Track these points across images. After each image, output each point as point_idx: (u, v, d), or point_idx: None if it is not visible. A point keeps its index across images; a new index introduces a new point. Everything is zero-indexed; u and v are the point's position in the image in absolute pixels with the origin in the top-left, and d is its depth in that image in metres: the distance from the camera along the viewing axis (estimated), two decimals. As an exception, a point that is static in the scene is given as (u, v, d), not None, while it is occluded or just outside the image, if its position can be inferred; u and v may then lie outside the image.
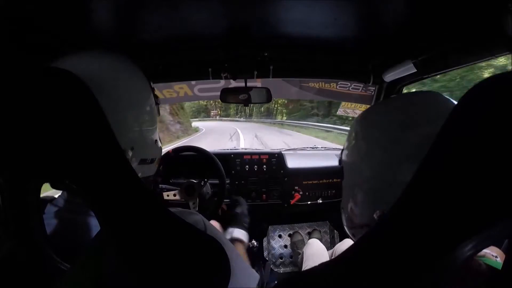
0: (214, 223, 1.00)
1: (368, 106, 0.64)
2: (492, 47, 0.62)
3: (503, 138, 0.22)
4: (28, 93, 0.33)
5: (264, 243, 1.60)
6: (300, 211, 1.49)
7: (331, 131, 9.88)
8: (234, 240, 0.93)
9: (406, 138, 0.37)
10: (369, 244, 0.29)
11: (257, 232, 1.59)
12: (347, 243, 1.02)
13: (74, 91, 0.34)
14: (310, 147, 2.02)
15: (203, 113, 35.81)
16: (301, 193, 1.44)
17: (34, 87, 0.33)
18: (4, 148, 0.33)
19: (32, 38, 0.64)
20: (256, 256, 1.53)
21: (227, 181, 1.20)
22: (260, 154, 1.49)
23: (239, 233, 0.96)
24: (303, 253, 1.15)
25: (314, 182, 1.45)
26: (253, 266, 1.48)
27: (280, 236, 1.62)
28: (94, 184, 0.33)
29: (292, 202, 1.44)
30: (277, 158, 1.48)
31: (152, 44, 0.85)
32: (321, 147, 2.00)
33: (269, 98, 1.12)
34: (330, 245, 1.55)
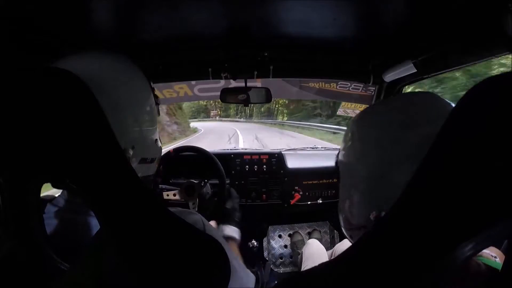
0: (212, 223, 0.99)
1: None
2: (492, 47, 0.62)
3: (504, 138, 0.22)
4: (28, 93, 0.33)
5: (264, 243, 1.60)
6: (300, 211, 1.49)
7: (338, 132, 9.03)
8: (226, 238, 0.91)
9: (403, 138, 0.37)
10: (369, 244, 0.29)
11: (257, 232, 1.59)
12: (347, 243, 1.02)
13: (74, 91, 0.34)
14: (310, 147, 2.02)
15: (203, 113, 35.56)
16: (301, 193, 1.44)
17: (34, 87, 0.33)
18: (4, 148, 0.33)
19: (32, 38, 0.64)
20: (256, 256, 1.53)
21: (227, 181, 1.20)
22: (260, 154, 1.49)
23: (231, 231, 0.94)
24: (302, 253, 1.15)
25: (314, 182, 1.45)
26: (253, 266, 1.48)
27: (280, 236, 1.62)
28: (94, 184, 0.33)
29: (292, 202, 1.44)
30: (277, 158, 1.48)
31: (152, 44, 0.85)
32: (321, 147, 2.00)
33: (269, 98, 1.12)
34: (330, 245, 1.55)
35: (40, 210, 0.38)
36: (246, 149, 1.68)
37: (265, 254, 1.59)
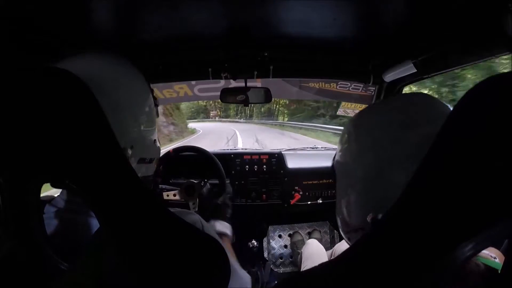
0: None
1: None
2: (492, 47, 0.62)
3: (504, 138, 0.22)
4: (28, 93, 0.33)
5: (264, 243, 1.60)
6: (300, 211, 1.49)
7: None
8: (219, 235, 0.88)
9: (403, 138, 0.37)
10: (369, 244, 0.29)
11: (257, 232, 1.59)
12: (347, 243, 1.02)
13: (74, 91, 0.34)
14: (310, 147, 2.02)
15: (202, 113, 35.17)
16: (301, 193, 1.44)
17: (34, 87, 0.33)
18: (4, 148, 0.33)
19: (32, 38, 0.64)
20: (256, 256, 1.53)
21: (227, 181, 1.20)
22: (260, 154, 1.49)
23: (222, 226, 0.91)
24: (301, 253, 1.15)
25: (314, 182, 1.45)
26: (253, 266, 1.48)
27: (280, 236, 1.62)
28: (94, 184, 0.33)
29: (292, 202, 1.44)
30: (277, 158, 1.48)
31: (152, 44, 0.85)
32: (321, 147, 2.00)
33: (269, 98, 1.13)
34: (330, 245, 1.55)
35: (40, 210, 0.38)
36: (246, 149, 1.67)
37: (265, 254, 1.59)
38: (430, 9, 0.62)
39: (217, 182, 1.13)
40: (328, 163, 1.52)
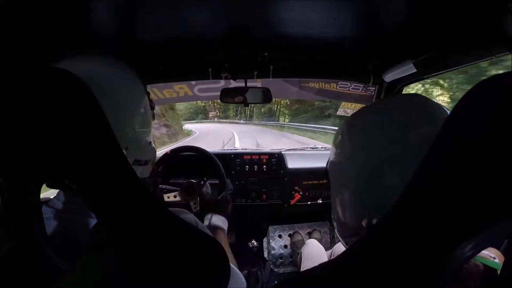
0: None
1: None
2: (492, 47, 0.62)
3: (504, 138, 0.22)
4: (28, 93, 0.33)
5: (264, 243, 1.60)
6: (300, 211, 1.49)
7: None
8: (213, 228, 0.88)
9: (402, 138, 0.37)
10: (369, 244, 0.29)
11: (257, 232, 1.59)
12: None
13: (74, 91, 0.34)
14: (310, 147, 2.02)
15: (201, 114, 34.68)
16: (301, 193, 1.44)
17: (34, 87, 0.33)
18: (4, 148, 0.33)
19: (32, 38, 0.64)
20: (256, 256, 1.53)
21: (227, 179, 1.19)
22: (260, 154, 1.49)
23: (218, 220, 0.90)
24: (301, 253, 1.15)
25: (314, 182, 1.45)
26: (253, 266, 1.48)
27: (280, 236, 1.62)
28: (94, 184, 0.33)
29: (292, 202, 1.44)
30: (277, 158, 1.48)
31: (152, 44, 0.85)
32: (321, 147, 2.00)
33: (269, 98, 1.13)
34: (330, 245, 1.55)
35: (40, 210, 0.38)
36: (246, 149, 1.67)
37: (265, 254, 1.58)
38: (430, 9, 0.62)
39: (217, 182, 1.13)
40: (328, 163, 1.52)
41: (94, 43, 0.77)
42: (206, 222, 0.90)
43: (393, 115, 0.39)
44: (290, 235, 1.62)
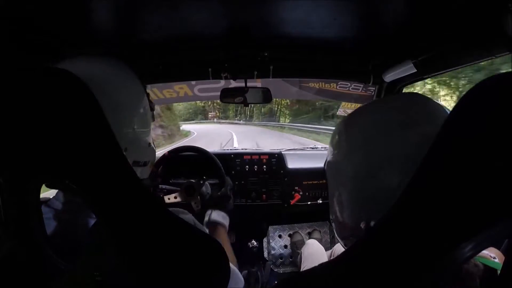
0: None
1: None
2: (492, 47, 0.62)
3: (504, 138, 0.22)
4: (28, 93, 0.33)
5: (264, 243, 1.60)
6: (300, 211, 1.49)
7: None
8: (213, 224, 0.87)
9: (401, 138, 0.36)
10: (369, 244, 0.29)
11: (257, 232, 1.59)
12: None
13: (74, 91, 0.34)
14: (310, 147, 2.02)
15: (200, 115, 34.19)
16: (301, 193, 1.44)
17: (34, 87, 0.33)
18: (4, 148, 0.33)
19: (32, 38, 0.64)
20: (256, 256, 1.53)
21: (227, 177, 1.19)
22: (260, 154, 1.49)
23: (218, 215, 0.89)
24: (301, 253, 1.15)
25: (314, 182, 1.45)
26: (253, 266, 1.47)
27: (280, 236, 1.62)
28: (95, 184, 0.33)
29: (292, 202, 1.44)
30: (277, 158, 1.47)
31: (152, 44, 0.85)
32: (321, 147, 2.00)
33: (269, 98, 1.13)
34: (330, 245, 1.55)
35: (40, 210, 0.38)
36: (246, 149, 1.67)
37: (265, 254, 1.58)
38: (430, 9, 0.62)
39: (217, 181, 1.13)
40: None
41: (94, 43, 0.77)
42: (205, 218, 0.89)
43: (392, 115, 0.39)
44: (290, 235, 1.62)
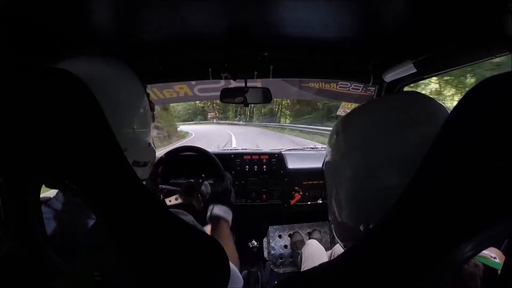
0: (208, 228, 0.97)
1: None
2: (492, 47, 0.62)
3: (504, 138, 0.22)
4: (28, 93, 0.33)
5: (264, 243, 1.60)
6: (300, 211, 1.49)
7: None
8: (215, 218, 0.86)
9: (401, 138, 0.36)
10: (369, 244, 0.29)
11: (257, 232, 1.59)
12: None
13: (74, 91, 0.34)
14: (310, 147, 2.02)
15: (200, 115, 33.85)
16: (301, 193, 1.44)
17: (34, 87, 0.33)
18: (4, 148, 0.33)
19: (32, 38, 0.64)
20: (256, 256, 1.53)
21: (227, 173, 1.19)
22: (260, 154, 1.49)
23: (219, 210, 0.88)
24: (302, 253, 1.15)
25: (314, 182, 1.45)
26: (253, 266, 1.47)
27: (280, 236, 1.62)
28: (95, 184, 0.33)
29: (292, 202, 1.44)
30: (277, 158, 1.47)
31: (152, 44, 0.85)
32: (321, 147, 2.00)
33: (269, 98, 1.13)
34: (330, 245, 1.55)
35: (40, 210, 0.38)
36: (246, 149, 1.67)
37: (265, 254, 1.58)
38: (430, 9, 0.62)
39: (216, 178, 1.13)
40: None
41: (94, 43, 0.77)
42: (208, 214, 0.88)
43: (392, 114, 0.39)
44: (290, 235, 1.62)
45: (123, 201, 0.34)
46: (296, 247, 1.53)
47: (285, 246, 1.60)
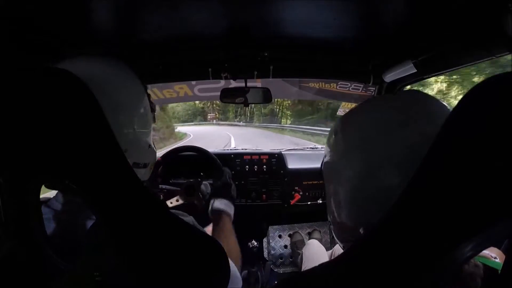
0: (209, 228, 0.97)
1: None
2: (492, 47, 0.62)
3: (504, 138, 0.22)
4: (28, 93, 0.33)
5: (264, 243, 1.60)
6: (300, 211, 1.49)
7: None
8: (216, 212, 0.86)
9: (401, 137, 0.36)
10: (369, 244, 0.29)
11: (257, 232, 1.59)
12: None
13: (74, 91, 0.34)
14: (310, 147, 2.02)
15: (200, 116, 33.40)
16: (301, 193, 1.44)
17: (34, 87, 0.33)
18: (4, 148, 0.33)
19: (32, 38, 0.64)
20: (256, 256, 1.53)
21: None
22: (260, 154, 1.49)
23: (220, 203, 0.88)
24: (302, 253, 1.15)
25: (314, 182, 1.45)
26: (253, 266, 1.47)
27: (280, 236, 1.62)
28: (95, 184, 0.33)
29: (292, 202, 1.44)
30: (277, 158, 1.47)
31: (152, 44, 0.85)
32: (321, 147, 2.00)
33: (269, 98, 1.13)
34: (330, 245, 1.55)
35: (40, 211, 0.38)
36: (246, 149, 1.67)
37: (265, 254, 1.58)
38: (430, 9, 0.62)
39: (215, 175, 1.13)
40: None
41: (94, 43, 0.77)
42: (209, 208, 0.88)
43: (392, 114, 0.39)
44: (290, 235, 1.62)
45: (123, 201, 0.34)
46: (296, 247, 1.53)
47: (285, 246, 1.60)
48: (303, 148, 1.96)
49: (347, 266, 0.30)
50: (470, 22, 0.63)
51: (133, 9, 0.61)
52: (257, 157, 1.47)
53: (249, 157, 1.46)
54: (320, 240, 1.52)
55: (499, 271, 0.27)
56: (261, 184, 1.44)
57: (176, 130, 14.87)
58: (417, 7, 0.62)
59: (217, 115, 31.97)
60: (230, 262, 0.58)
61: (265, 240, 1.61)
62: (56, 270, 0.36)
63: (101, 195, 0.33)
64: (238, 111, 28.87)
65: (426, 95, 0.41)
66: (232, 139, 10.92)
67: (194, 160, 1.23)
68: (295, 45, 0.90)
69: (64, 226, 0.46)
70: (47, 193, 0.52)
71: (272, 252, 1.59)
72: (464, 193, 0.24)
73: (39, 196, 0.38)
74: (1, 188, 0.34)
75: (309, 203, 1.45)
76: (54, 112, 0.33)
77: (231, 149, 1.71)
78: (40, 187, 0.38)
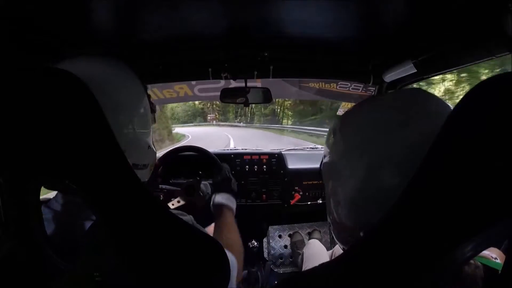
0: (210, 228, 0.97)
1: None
2: (492, 47, 0.62)
3: (504, 138, 0.22)
4: (28, 93, 0.33)
5: (264, 243, 1.60)
6: (300, 211, 1.49)
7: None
8: (218, 206, 0.86)
9: (401, 137, 0.36)
10: (369, 244, 0.29)
11: (257, 232, 1.59)
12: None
13: (74, 91, 0.34)
14: (310, 147, 2.02)
15: (199, 117, 33.15)
16: (301, 193, 1.44)
17: (34, 87, 0.33)
18: (4, 148, 0.33)
19: (32, 38, 0.64)
20: (256, 256, 1.53)
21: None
22: (260, 154, 1.49)
23: (221, 198, 0.87)
24: (303, 253, 1.15)
25: (314, 182, 1.45)
26: (253, 266, 1.47)
27: (280, 236, 1.62)
28: (94, 184, 0.33)
29: (292, 202, 1.44)
30: (277, 158, 1.47)
31: (152, 44, 0.85)
32: (321, 147, 2.01)
33: (269, 98, 1.13)
34: (330, 245, 1.55)
35: (39, 210, 0.38)
36: (246, 149, 1.67)
37: (265, 254, 1.58)
38: (430, 9, 0.62)
39: (215, 172, 1.13)
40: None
41: (94, 43, 0.77)
42: (211, 203, 0.88)
43: (392, 114, 0.38)
44: (290, 235, 1.62)
45: (123, 201, 0.34)
46: (296, 247, 1.53)
47: (285, 246, 1.60)
48: (303, 148, 1.96)
49: (347, 266, 0.30)
50: (470, 22, 0.63)
51: (133, 9, 0.61)
52: (257, 157, 1.47)
53: (249, 157, 1.47)
54: (320, 240, 1.52)
55: (499, 272, 0.27)
56: (261, 184, 1.44)
57: (174, 131, 14.69)
58: (417, 7, 0.62)
59: (217, 116, 31.71)
60: (229, 254, 0.57)
61: (265, 240, 1.61)
62: (56, 270, 0.36)
63: (101, 195, 0.33)
64: (238, 112, 28.70)
65: (426, 93, 0.41)
66: (232, 140, 10.78)
67: (194, 160, 1.23)
68: (295, 45, 0.90)
69: (64, 226, 0.46)
70: (47, 195, 0.52)
71: (272, 252, 1.59)
72: (464, 193, 0.24)
73: (39, 196, 0.38)
74: (1, 188, 0.34)
75: (309, 203, 1.45)
76: (54, 112, 0.33)
77: (231, 149, 1.71)
78: (40, 187, 0.38)
